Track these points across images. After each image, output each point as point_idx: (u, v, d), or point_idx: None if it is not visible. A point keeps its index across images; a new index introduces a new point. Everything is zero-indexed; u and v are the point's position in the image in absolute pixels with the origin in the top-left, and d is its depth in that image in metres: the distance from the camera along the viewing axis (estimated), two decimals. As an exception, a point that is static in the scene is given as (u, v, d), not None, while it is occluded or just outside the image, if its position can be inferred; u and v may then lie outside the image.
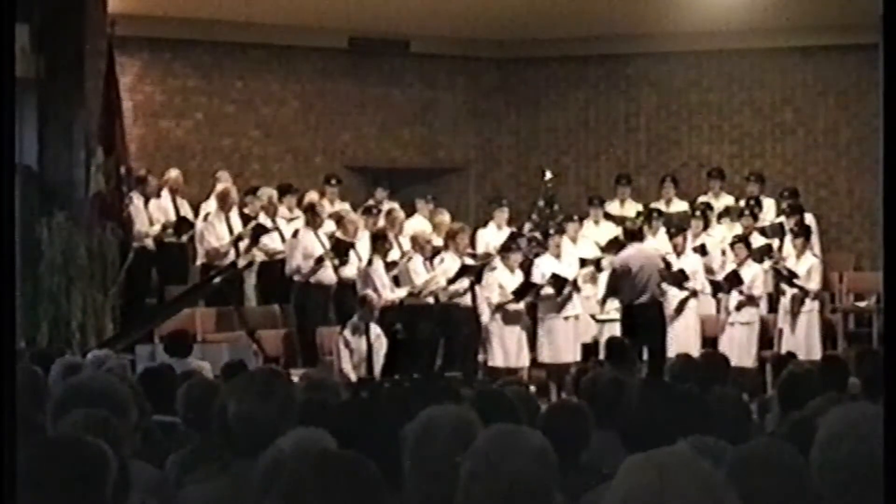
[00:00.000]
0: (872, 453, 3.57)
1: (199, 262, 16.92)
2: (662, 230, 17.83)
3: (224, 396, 4.82)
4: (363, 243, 16.93)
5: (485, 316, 17.00)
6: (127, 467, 4.28)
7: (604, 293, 17.03)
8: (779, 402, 7.45)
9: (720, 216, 18.55)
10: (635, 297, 15.94)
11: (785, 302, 17.40)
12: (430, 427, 4.48)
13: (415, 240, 17.04)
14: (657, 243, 17.46)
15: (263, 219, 17.25)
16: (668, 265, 16.45)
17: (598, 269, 17.55)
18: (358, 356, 15.34)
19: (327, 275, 16.63)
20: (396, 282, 16.66)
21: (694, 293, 17.12)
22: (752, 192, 18.91)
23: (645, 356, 15.42)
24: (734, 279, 17.05)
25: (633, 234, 16.57)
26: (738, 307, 17.12)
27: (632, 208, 19.19)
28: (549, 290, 17.10)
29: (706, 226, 18.14)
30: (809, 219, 18.60)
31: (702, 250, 17.67)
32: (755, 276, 17.20)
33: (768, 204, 18.91)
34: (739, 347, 16.71)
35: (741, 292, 17.04)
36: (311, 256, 16.53)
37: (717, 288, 17.24)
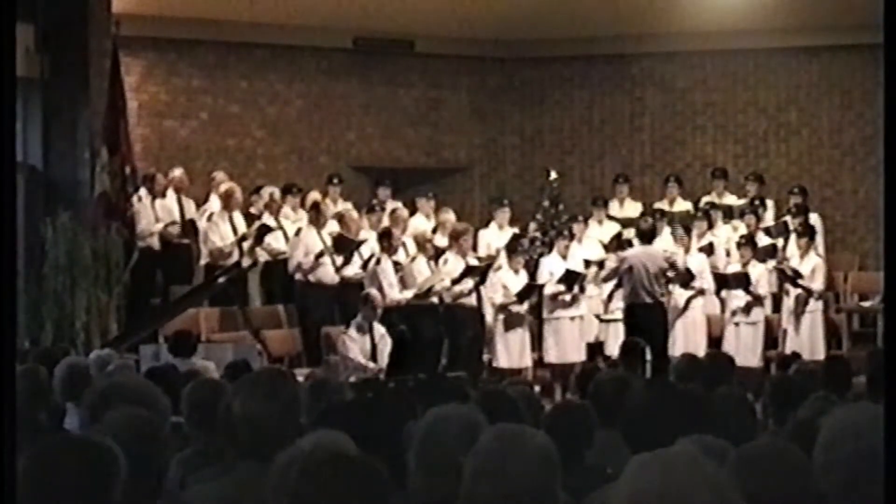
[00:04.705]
0: (874, 453, 3.58)
1: (203, 262, 16.92)
2: (667, 230, 17.83)
3: (229, 396, 4.82)
4: (369, 243, 16.95)
5: (489, 316, 17.01)
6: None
7: (607, 286, 17.10)
8: (771, 405, 7.44)
9: (725, 216, 18.54)
10: (637, 297, 15.92)
11: (789, 302, 17.40)
12: (437, 426, 4.49)
13: (417, 240, 17.05)
14: (662, 243, 17.44)
15: (267, 218, 17.25)
16: (672, 265, 16.42)
17: (601, 269, 17.55)
18: (362, 355, 15.32)
19: (328, 274, 16.63)
20: (403, 283, 16.66)
21: (701, 292, 17.11)
22: (750, 192, 18.91)
23: (648, 356, 15.40)
24: (741, 278, 17.04)
25: (644, 234, 16.50)
26: (745, 307, 17.11)
27: (632, 208, 19.19)
28: (560, 287, 17.12)
29: (710, 225, 18.11)
30: (815, 219, 18.59)
31: (708, 250, 17.65)
32: (760, 275, 17.20)
33: (769, 204, 18.92)
34: (745, 347, 16.73)
35: (748, 292, 17.04)
36: (312, 254, 16.56)
37: (722, 284, 17.21)
